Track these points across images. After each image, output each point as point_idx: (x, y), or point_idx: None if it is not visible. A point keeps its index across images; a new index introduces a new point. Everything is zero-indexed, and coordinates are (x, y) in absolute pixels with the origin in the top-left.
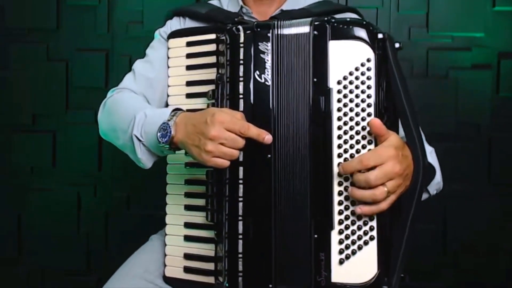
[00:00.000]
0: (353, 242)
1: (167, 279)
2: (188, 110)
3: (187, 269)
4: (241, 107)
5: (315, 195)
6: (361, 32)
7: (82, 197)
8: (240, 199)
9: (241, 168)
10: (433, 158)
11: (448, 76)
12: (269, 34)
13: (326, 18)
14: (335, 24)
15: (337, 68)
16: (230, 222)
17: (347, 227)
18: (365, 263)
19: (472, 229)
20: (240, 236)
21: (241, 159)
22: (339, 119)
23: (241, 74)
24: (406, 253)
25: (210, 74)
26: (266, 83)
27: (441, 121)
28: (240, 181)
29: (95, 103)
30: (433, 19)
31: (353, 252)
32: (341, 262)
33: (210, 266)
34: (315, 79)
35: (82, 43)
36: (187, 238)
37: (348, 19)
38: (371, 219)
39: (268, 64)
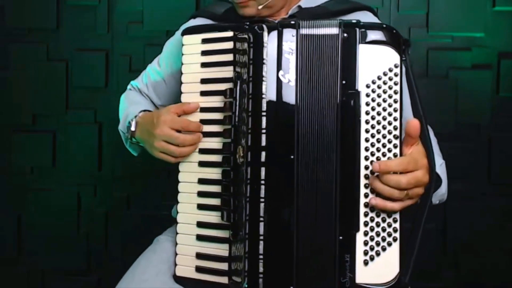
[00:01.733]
0: (378, 244)
1: (178, 279)
2: (203, 108)
3: (199, 269)
4: (264, 107)
5: (341, 197)
6: (390, 38)
7: (82, 197)
8: (262, 200)
9: (263, 169)
10: (442, 170)
11: (448, 76)
12: (294, 34)
13: (355, 21)
14: (365, 28)
15: (366, 72)
16: (251, 223)
17: (372, 229)
18: (388, 263)
19: (472, 229)
20: (261, 237)
21: (263, 159)
22: (366, 122)
23: (264, 74)
24: (417, 253)
25: (227, 72)
26: (290, 83)
27: (441, 121)
28: (262, 182)
29: (95, 103)
30: (433, 19)
31: (377, 253)
32: (365, 263)
33: (224, 266)
34: (343, 82)
35: (82, 43)
36: (200, 238)
37: (377, 24)
38: (395, 221)
39: (292, 64)
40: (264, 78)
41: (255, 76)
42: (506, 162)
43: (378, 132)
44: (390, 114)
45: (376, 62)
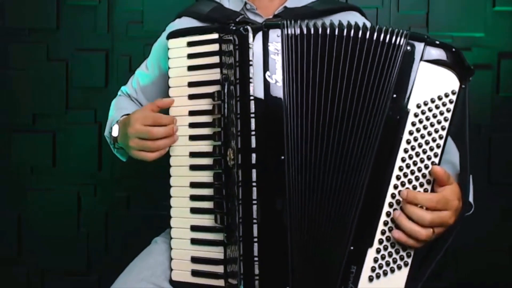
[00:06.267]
0: (388, 264)
1: (174, 283)
2: (191, 112)
3: (195, 273)
4: (252, 109)
5: (362, 210)
6: (455, 62)
7: (82, 197)
8: (254, 201)
9: (254, 171)
10: (470, 188)
11: None
12: (279, 35)
13: (423, 36)
14: (430, 45)
15: (421, 91)
16: (245, 225)
17: (385, 248)
18: (393, 285)
19: (472, 229)
20: (255, 239)
21: (253, 161)
22: (407, 142)
23: (251, 75)
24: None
25: (214, 74)
26: (277, 83)
27: None
28: (254, 184)
29: (95, 103)
30: (433, 19)
31: (385, 273)
32: (370, 279)
33: (219, 269)
34: (394, 95)
35: (82, 43)
36: (194, 241)
37: (445, 44)
38: (411, 247)
39: (279, 65)
40: (251, 80)
41: (242, 77)
42: (506, 162)
43: (417, 154)
44: (434, 140)
45: (433, 84)
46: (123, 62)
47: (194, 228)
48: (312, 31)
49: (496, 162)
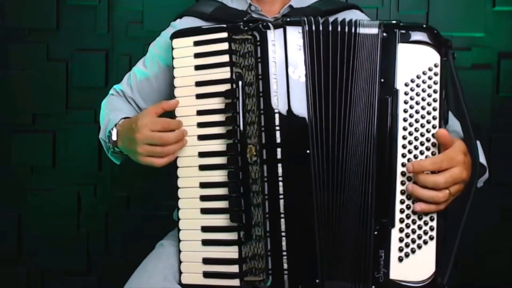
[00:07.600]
0: (413, 241)
1: (184, 286)
2: (199, 111)
3: (207, 274)
4: (276, 104)
5: (377, 193)
6: (431, 38)
7: (82, 197)
8: (281, 196)
9: (279, 165)
10: (480, 152)
11: None
12: (300, 31)
13: (395, 22)
14: (405, 29)
15: (405, 70)
16: (272, 221)
17: (407, 226)
18: (423, 262)
19: (472, 230)
20: (283, 234)
21: (279, 156)
22: (404, 120)
23: (274, 71)
24: (456, 251)
25: (223, 73)
26: (300, 79)
27: None
28: (280, 178)
29: (95, 103)
30: (433, 19)
31: (413, 251)
32: (400, 259)
33: (234, 268)
34: (382, 80)
35: (82, 43)
36: (206, 242)
37: (418, 24)
38: (432, 219)
39: (301, 60)
40: (274, 76)
41: (264, 74)
42: (506, 162)
43: (416, 130)
44: (429, 113)
45: (415, 62)
46: (123, 62)
47: (205, 229)
48: (329, 28)
49: (496, 162)
